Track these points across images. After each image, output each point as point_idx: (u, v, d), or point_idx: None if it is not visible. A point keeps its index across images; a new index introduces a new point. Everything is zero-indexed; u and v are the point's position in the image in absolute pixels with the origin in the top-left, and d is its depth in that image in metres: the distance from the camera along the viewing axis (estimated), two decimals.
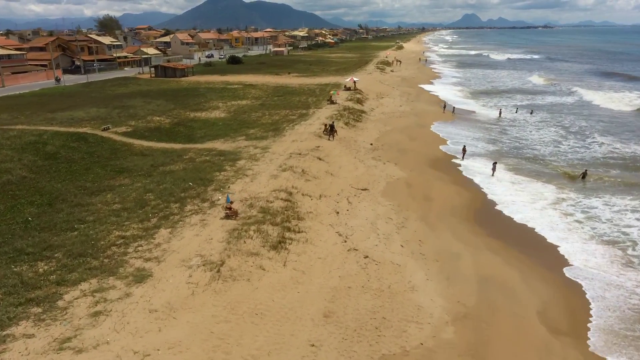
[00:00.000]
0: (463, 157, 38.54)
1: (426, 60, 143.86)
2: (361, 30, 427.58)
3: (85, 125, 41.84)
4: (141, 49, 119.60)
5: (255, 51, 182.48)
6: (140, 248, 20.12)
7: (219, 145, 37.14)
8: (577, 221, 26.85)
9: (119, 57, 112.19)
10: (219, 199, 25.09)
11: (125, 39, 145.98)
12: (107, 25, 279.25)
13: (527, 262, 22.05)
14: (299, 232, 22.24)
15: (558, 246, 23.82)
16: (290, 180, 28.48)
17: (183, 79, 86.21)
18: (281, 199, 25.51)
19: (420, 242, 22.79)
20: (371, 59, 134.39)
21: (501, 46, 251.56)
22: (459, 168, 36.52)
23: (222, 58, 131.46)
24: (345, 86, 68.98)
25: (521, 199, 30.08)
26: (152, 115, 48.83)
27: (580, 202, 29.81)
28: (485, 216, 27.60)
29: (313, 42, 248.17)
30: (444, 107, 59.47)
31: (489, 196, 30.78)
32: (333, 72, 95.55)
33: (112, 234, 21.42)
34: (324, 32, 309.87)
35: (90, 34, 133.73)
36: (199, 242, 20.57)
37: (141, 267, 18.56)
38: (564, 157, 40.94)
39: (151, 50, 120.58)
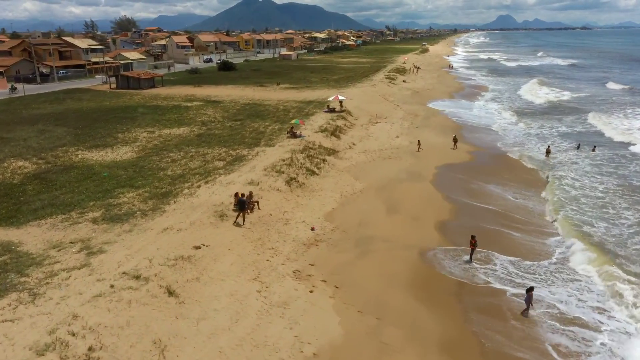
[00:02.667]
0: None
1: (450, 66, 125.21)
2: (388, 32, 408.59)
3: None
4: (121, 53, 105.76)
5: (265, 55, 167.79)
6: None
7: (30, 236, 21.29)
8: None
9: (95, 63, 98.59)
10: None
11: (113, 42, 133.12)
12: (124, 26, 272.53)
13: None
14: None
15: None
16: None
17: (147, 90, 71.47)
18: None
19: None
20: (385, 64, 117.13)
21: (539, 49, 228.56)
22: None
23: (218, 63, 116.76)
24: (328, 106, 52.38)
25: None
26: (18, 156, 33.70)
27: None
28: None
29: (333, 45, 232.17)
30: (454, 142, 42.13)
31: None
32: (332, 83, 79.12)
33: None
34: (346, 34, 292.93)
35: (65, 36, 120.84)
36: None
37: None
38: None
39: (133, 55, 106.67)
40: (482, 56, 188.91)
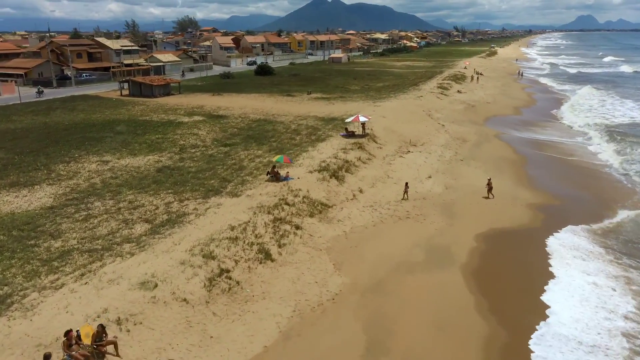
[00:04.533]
0: None
1: (521, 73, 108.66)
2: (456, 33, 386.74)
3: None
4: (154, 55, 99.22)
5: (317, 57, 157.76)
6: None
7: None
8: None
9: (127, 65, 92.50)
10: None
11: (154, 42, 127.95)
12: (185, 26, 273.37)
13: None
14: None
15: None
16: None
17: (159, 99, 63.27)
18: None
19: None
20: (443, 70, 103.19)
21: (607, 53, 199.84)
22: None
23: (251, 64, 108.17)
24: (346, 129, 40.85)
25: None
26: None
27: None
28: None
29: (393, 46, 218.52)
30: (489, 189, 29.47)
31: None
32: (371, 93, 67.48)
33: None
34: (409, 34, 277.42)
35: (99, 36, 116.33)
36: None
37: None
38: None
39: (167, 57, 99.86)
40: (556, 60, 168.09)
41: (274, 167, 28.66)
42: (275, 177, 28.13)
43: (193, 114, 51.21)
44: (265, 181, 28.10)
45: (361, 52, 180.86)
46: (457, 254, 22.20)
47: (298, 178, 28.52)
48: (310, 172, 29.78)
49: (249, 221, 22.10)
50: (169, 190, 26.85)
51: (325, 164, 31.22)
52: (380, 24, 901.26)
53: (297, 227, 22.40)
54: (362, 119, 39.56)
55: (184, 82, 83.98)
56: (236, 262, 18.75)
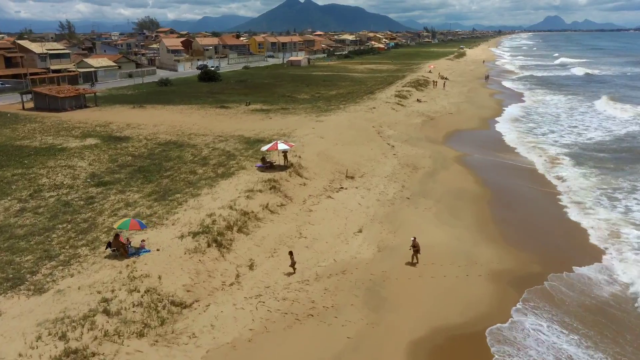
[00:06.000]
0: None
1: (487, 77, 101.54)
2: (426, 34, 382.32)
3: None
4: (85, 60, 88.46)
5: (279, 59, 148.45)
6: None
7: None
8: None
9: (55, 71, 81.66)
10: None
11: (93, 45, 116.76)
12: (146, 27, 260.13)
13: None
14: None
15: None
16: None
17: (68, 113, 53.53)
18: None
19: None
20: (406, 74, 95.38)
21: (603, 55, 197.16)
22: None
23: (201, 69, 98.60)
24: (264, 159, 31.80)
25: None
26: None
27: None
28: None
29: (361, 47, 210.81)
30: (414, 254, 21.15)
31: None
32: (319, 104, 59.12)
33: None
34: (378, 35, 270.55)
35: (23, 39, 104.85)
36: None
37: None
38: None
39: (100, 62, 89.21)
40: (530, 62, 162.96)
41: (117, 235, 19.47)
42: (123, 249, 19.01)
43: (89, 136, 41.61)
44: (105, 257, 18.96)
45: (325, 54, 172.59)
46: None
47: (157, 250, 19.48)
48: (182, 236, 20.77)
49: None
50: None
51: (210, 222, 22.21)
52: (352, 25, 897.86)
53: None
54: (281, 146, 30.63)
55: (113, 90, 74.05)
56: None
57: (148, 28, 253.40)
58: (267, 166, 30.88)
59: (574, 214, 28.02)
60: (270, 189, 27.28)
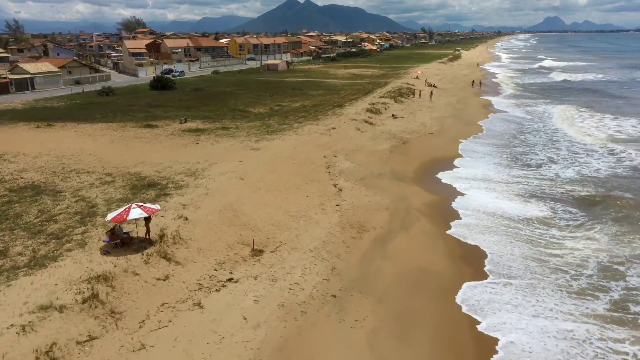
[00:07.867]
0: None
1: (480, 83, 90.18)
2: (423, 35, 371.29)
3: None
4: (19, 64, 77.58)
5: (259, 62, 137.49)
6: None
7: None
8: None
9: None
10: None
11: (45, 47, 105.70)
12: (131, 27, 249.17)
13: None
14: None
15: None
16: None
17: None
18: None
19: None
20: (389, 80, 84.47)
21: (610, 57, 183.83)
22: None
23: (167, 73, 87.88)
24: (112, 230, 20.78)
25: None
26: None
27: None
28: None
29: (353, 49, 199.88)
30: None
31: None
32: (273, 120, 48.64)
33: None
34: (371, 37, 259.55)
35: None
36: None
37: None
38: None
39: (39, 67, 78.24)
40: (529, 65, 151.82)
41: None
42: None
43: None
44: None
45: (311, 57, 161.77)
46: None
47: None
48: None
49: None
50: None
51: None
52: (352, 26, 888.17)
53: None
54: (134, 215, 19.48)
55: (41, 101, 63.17)
56: None
57: (133, 29, 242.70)
58: (116, 244, 19.83)
59: None
60: (89, 298, 16.23)
